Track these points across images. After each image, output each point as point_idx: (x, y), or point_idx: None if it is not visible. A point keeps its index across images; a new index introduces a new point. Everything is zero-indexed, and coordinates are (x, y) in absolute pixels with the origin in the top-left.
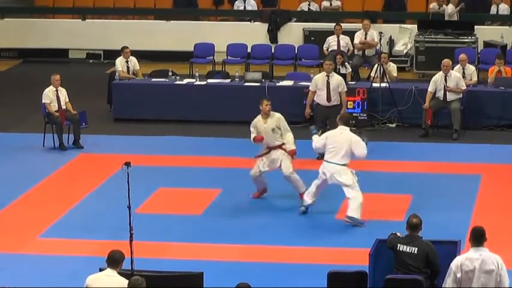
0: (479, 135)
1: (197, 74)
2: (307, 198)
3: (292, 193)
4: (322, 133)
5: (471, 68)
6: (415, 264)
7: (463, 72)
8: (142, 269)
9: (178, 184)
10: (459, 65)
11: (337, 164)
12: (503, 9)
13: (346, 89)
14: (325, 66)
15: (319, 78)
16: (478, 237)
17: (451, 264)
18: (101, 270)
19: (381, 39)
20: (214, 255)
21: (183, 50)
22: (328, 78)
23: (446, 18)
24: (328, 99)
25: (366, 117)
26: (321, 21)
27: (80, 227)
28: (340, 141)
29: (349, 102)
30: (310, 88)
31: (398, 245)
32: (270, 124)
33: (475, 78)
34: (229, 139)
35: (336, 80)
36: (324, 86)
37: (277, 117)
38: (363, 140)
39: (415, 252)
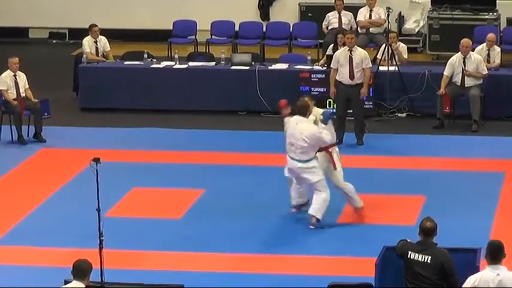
0: (502, 127)
1: (177, 56)
2: (293, 201)
3: (285, 193)
4: (340, 122)
5: (497, 50)
6: (428, 275)
7: (488, 54)
8: (114, 281)
9: (155, 183)
10: (484, 45)
11: (299, 160)
12: None
13: (370, 65)
14: (347, 40)
15: (341, 53)
16: (495, 254)
17: (464, 285)
18: (66, 282)
19: (388, 15)
20: (196, 266)
21: (160, 28)
22: (350, 53)
23: None
24: (351, 76)
25: (371, 106)
26: None
27: (42, 233)
28: (295, 134)
29: None
30: (331, 66)
31: (410, 252)
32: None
33: (498, 61)
34: (214, 131)
35: (359, 55)
36: (346, 62)
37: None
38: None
39: (428, 261)
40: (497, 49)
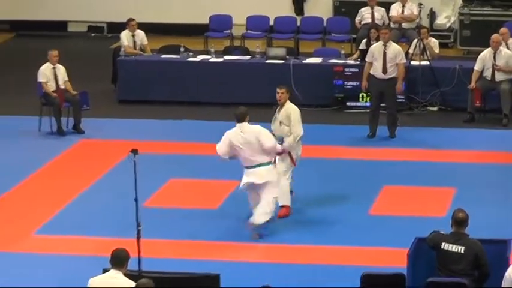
0: None
1: (213, 50)
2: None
3: (319, 185)
4: (373, 116)
5: None
6: (461, 265)
7: (507, 47)
8: (151, 270)
9: (191, 174)
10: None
11: (262, 165)
12: None
13: (404, 61)
14: (382, 35)
15: (376, 48)
16: None
17: (506, 273)
18: (104, 271)
19: (420, 11)
20: (232, 255)
21: (197, 22)
22: (385, 47)
23: None
24: (384, 70)
25: (404, 100)
26: None
27: (81, 223)
28: (248, 140)
29: None
30: (366, 59)
31: (443, 243)
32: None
33: None
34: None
35: (393, 50)
36: (380, 56)
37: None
38: None
39: (462, 251)
40: None
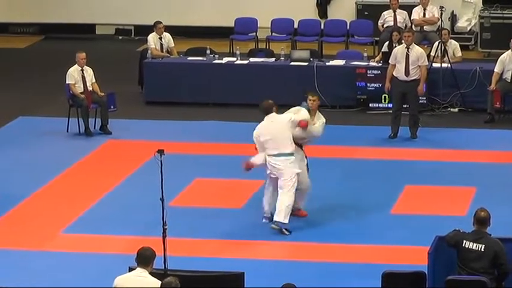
0: None
1: (238, 52)
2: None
3: (342, 184)
4: (395, 117)
5: None
6: (481, 263)
7: None
8: (177, 269)
9: (216, 174)
10: None
11: (284, 154)
12: None
13: (427, 63)
14: (405, 37)
15: (399, 50)
16: None
17: None
18: (130, 269)
19: (441, 14)
20: (256, 254)
21: (222, 25)
22: (407, 50)
23: None
24: (407, 73)
25: (425, 101)
26: None
27: (108, 222)
28: (276, 129)
29: None
30: (389, 61)
31: (464, 241)
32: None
33: None
34: None
35: (416, 53)
36: (403, 58)
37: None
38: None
39: (482, 250)
40: None
